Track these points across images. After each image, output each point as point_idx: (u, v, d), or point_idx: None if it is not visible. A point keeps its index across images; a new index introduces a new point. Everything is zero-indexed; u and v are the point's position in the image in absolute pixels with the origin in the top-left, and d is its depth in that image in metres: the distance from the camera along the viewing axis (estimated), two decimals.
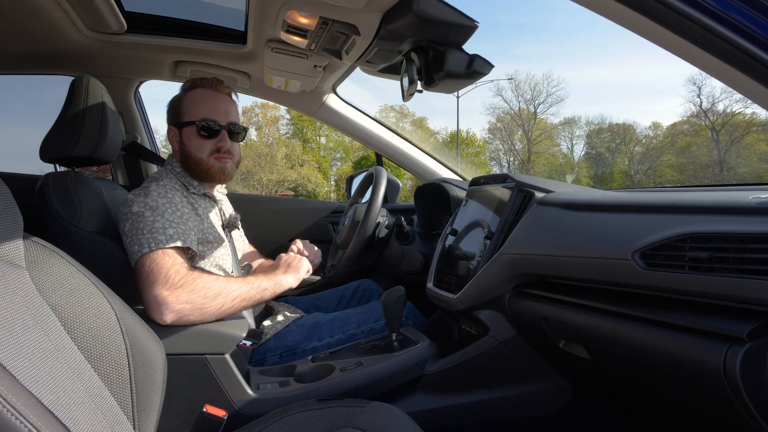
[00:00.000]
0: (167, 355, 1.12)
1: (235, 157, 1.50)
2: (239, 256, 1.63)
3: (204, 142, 1.43)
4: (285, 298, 1.84)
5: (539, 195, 1.25)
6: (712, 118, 30.88)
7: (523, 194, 1.29)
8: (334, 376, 1.27)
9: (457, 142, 32.82)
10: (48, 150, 1.39)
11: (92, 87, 1.40)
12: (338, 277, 1.78)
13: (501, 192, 1.38)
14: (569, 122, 36.58)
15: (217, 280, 1.23)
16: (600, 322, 0.97)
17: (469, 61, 1.31)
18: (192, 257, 1.31)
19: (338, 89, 2.13)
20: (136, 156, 2.14)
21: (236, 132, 1.48)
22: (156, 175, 1.45)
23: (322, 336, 1.51)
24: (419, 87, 1.40)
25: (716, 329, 0.76)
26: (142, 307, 1.20)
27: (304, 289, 2.07)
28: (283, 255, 1.53)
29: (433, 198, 1.93)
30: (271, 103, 2.27)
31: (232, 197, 1.80)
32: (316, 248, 1.71)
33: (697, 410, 0.91)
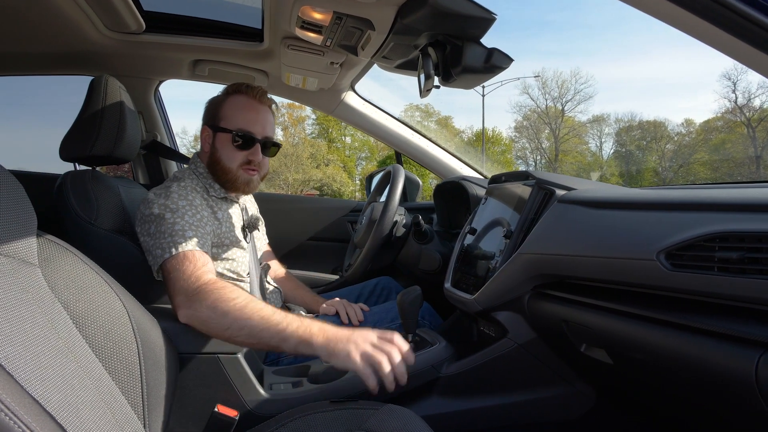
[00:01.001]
0: (179, 354, 1.12)
1: (263, 171, 1.49)
2: (259, 257, 1.61)
3: (237, 153, 1.41)
4: None
5: (560, 193, 1.21)
6: (748, 114, 29.87)
7: (544, 192, 1.24)
8: (347, 377, 1.25)
9: (482, 140, 32.53)
10: (67, 149, 1.40)
11: (111, 86, 1.41)
12: (355, 276, 1.76)
13: (521, 190, 1.34)
14: (598, 120, 35.91)
15: (236, 302, 1.10)
16: (623, 325, 0.92)
17: (487, 55, 1.27)
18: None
19: (358, 87, 2.11)
20: (157, 154, 2.16)
21: (270, 146, 1.47)
22: (178, 175, 1.44)
23: None
24: (436, 83, 1.37)
25: (747, 335, 0.71)
26: (156, 306, 1.21)
27: (322, 288, 2.05)
28: (345, 312, 1.52)
29: (453, 196, 1.90)
30: (296, 103, 2.27)
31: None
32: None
33: (726, 419, 0.86)
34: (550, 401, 1.29)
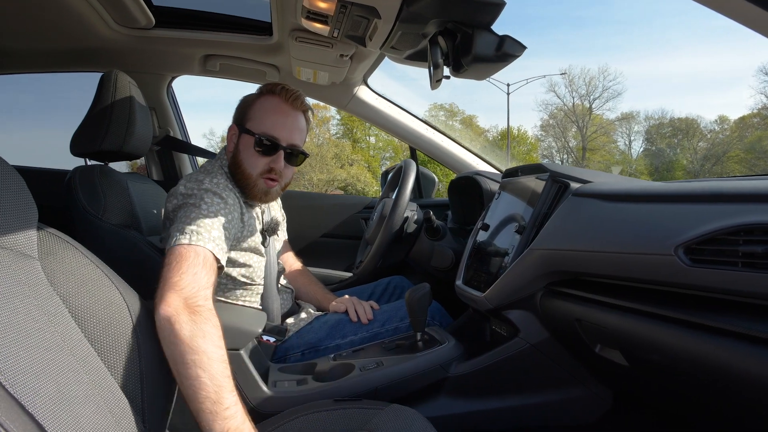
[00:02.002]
0: None
1: (284, 180, 1.40)
2: (276, 261, 1.54)
3: (258, 159, 1.33)
4: None
5: (575, 186, 1.15)
6: None
7: (558, 185, 1.19)
8: (353, 375, 1.22)
9: (507, 139, 32.16)
10: (78, 144, 1.41)
11: (120, 82, 1.41)
12: (366, 272, 1.73)
13: (535, 183, 1.29)
14: (627, 117, 35.07)
15: (216, 351, 0.97)
16: (638, 325, 0.86)
17: (499, 43, 1.22)
18: (219, 269, 1.17)
19: (372, 82, 2.08)
20: (171, 149, 2.17)
21: (294, 155, 1.37)
22: (208, 168, 1.36)
23: (346, 334, 1.46)
24: (446, 73, 1.33)
25: None
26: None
27: (335, 286, 2.03)
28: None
29: (467, 192, 1.85)
30: (321, 103, 2.24)
31: None
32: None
33: (748, 426, 0.79)
34: (564, 404, 1.23)
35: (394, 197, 1.69)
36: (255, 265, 1.41)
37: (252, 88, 1.43)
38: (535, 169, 1.35)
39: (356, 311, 1.52)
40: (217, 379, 0.93)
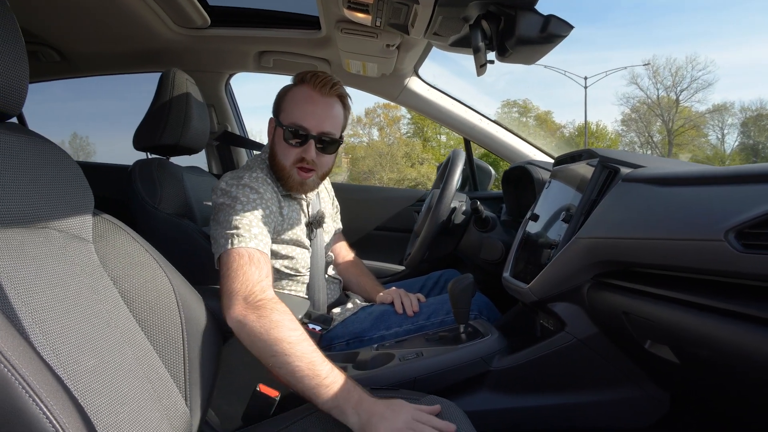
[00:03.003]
0: (224, 332, 1.14)
1: (321, 170, 1.39)
2: (325, 253, 1.56)
3: (289, 150, 1.33)
4: None
5: (625, 171, 1.07)
6: None
7: (608, 170, 1.12)
8: (392, 365, 1.21)
9: (584, 135, 30.74)
10: (139, 139, 1.50)
11: (178, 79, 1.48)
12: (413, 264, 1.71)
13: (585, 170, 1.21)
14: (719, 109, 32.37)
15: (292, 334, 1.01)
16: (685, 317, 0.79)
17: (543, 23, 1.16)
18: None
19: (423, 72, 2.05)
20: (230, 143, 2.26)
21: (326, 143, 1.35)
22: (250, 164, 1.41)
23: (390, 325, 1.46)
24: (490, 58, 1.28)
25: None
26: (202, 286, 1.24)
27: (387, 278, 2.03)
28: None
29: (521, 183, 1.78)
30: (392, 103, 2.25)
31: None
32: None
33: None
34: (615, 405, 1.15)
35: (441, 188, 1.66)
36: (298, 257, 1.42)
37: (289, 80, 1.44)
38: (585, 155, 1.27)
39: (402, 303, 1.50)
40: (305, 357, 0.98)
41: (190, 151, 1.60)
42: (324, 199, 1.65)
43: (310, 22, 1.70)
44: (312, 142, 1.33)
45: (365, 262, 1.99)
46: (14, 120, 0.90)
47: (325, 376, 0.96)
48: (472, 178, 2.27)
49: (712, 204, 0.75)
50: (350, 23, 1.49)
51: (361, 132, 32.67)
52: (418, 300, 1.53)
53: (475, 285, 1.29)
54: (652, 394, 1.13)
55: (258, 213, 1.22)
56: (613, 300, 1.00)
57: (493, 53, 1.28)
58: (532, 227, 1.41)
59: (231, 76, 2.18)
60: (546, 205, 1.40)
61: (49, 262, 0.80)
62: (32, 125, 2.27)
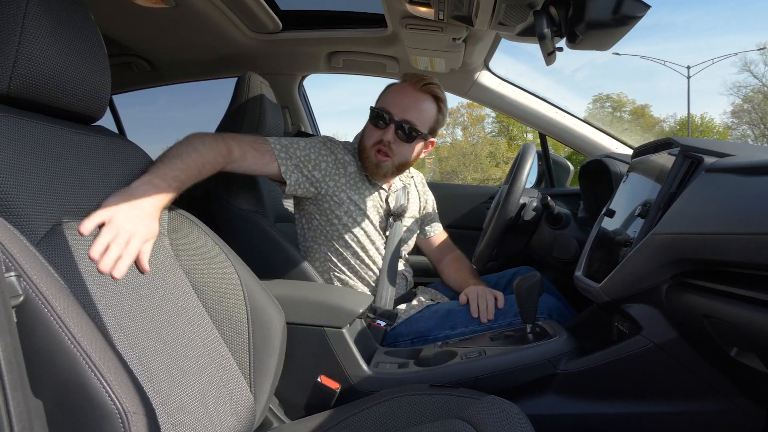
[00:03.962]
0: (288, 323, 1.17)
1: (397, 158, 1.44)
2: (399, 248, 1.57)
3: (373, 131, 1.44)
4: (434, 284, 1.79)
5: (709, 160, 0.97)
6: None
7: (690, 160, 1.02)
8: (453, 363, 1.19)
9: (687, 129, 28.37)
10: None
11: (253, 82, 1.56)
12: (480, 261, 1.66)
13: (665, 160, 1.12)
14: None
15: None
16: None
17: (616, 4, 1.08)
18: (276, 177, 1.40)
19: (495, 66, 2.00)
20: None
21: (406, 131, 1.41)
22: (344, 144, 1.53)
23: (456, 325, 1.42)
24: (559, 45, 1.22)
25: None
26: (271, 280, 1.29)
27: None
28: None
29: (599, 177, 1.68)
30: (475, 102, 2.24)
31: None
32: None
33: None
34: (697, 418, 1.05)
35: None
36: (368, 247, 1.46)
37: (374, 81, 1.56)
38: (666, 144, 1.17)
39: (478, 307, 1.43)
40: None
41: None
42: (412, 200, 1.66)
43: (377, 21, 1.72)
44: (392, 126, 1.41)
45: None
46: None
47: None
48: (549, 174, 2.17)
49: None
50: (415, 18, 1.49)
51: (444, 132, 32.46)
52: (495, 300, 1.45)
53: (542, 283, 1.23)
54: (742, 408, 1.02)
55: (312, 155, 1.37)
56: (691, 302, 0.91)
57: (563, 40, 1.22)
58: (608, 223, 1.33)
59: (304, 77, 2.27)
60: (623, 199, 1.31)
61: None
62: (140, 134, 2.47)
